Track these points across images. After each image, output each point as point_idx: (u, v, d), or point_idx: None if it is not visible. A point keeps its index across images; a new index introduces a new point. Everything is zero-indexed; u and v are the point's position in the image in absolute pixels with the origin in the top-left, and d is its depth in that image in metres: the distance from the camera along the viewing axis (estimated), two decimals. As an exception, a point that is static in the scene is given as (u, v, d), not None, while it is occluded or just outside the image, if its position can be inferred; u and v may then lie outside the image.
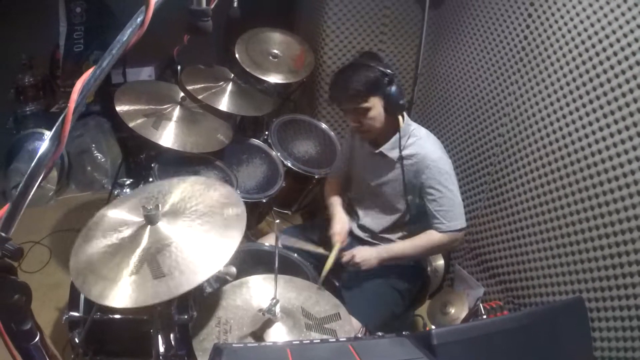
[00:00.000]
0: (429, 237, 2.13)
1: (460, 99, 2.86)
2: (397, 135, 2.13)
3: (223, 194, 1.65)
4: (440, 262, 2.95)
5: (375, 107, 2.05)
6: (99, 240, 1.53)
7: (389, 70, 2.01)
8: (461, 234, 2.14)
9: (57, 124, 0.84)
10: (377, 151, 2.19)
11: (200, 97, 2.77)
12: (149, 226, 1.52)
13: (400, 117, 2.14)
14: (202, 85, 2.86)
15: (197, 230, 1.50)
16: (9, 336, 0.86)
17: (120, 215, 1.64)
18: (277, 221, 1.58)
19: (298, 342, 1.20)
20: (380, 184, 2.23)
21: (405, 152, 2.13)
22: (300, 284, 1.79)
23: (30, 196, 0.84)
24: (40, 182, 0.85)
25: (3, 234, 0.82)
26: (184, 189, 1.69)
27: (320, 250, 2.22)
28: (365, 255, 2.11)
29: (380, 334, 1.35)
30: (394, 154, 2.15)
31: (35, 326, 0.92)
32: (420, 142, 2.14)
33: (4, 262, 0.84)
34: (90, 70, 0.87)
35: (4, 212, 0.83)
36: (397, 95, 2.02)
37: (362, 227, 2.36)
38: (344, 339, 1.22)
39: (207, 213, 1.56)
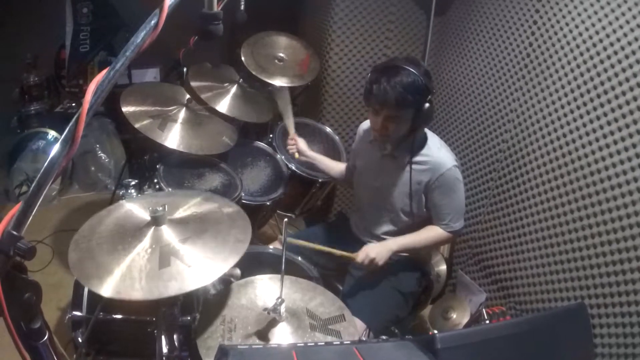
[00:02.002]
0: (436, 233, 2.20)
1: (465, 105, 2.87)
2: (409, 140, 2.12)
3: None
4: (442, 267, 2.95)
5: (407, 117, 2.02)
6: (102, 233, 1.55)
7: (431, 86, 1.98)
8: (457, 234, 2.25)
9: (70, 123, 0.84)
10: (387, 153, 2.19)
11: (203, 96, 2.77)
12: (153, 227, 1.54)
13: None
14: (207, 83, 2.86)
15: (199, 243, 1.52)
16: (19, 335, 0.86)
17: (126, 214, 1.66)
18: (286, 220, 1.58)
19: (303, 344, 1.20)
20: (386, 186, 2.23)
21: (418, 158, 2.13)
22: (306, 286, 1.80)
23: (42, 195, 0.84)
24: (53, 182, 0.85)
25: (15, 233, 0.82)
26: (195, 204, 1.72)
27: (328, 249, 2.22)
28: (377, 249, 2.11)
29: (384, 337, 1.35)
30: (405, 158, 2.15)
31: (44, 325, 0.92)
32: (433, 150, 2.14)
33: (16, 260, 0.84)
34: (104, 72, 0.88)
35: (15, 210, 0.83)
36: (429, 112, 2.01)
37: (366, 230, 2.37)
38: (349, 342, 1.22)
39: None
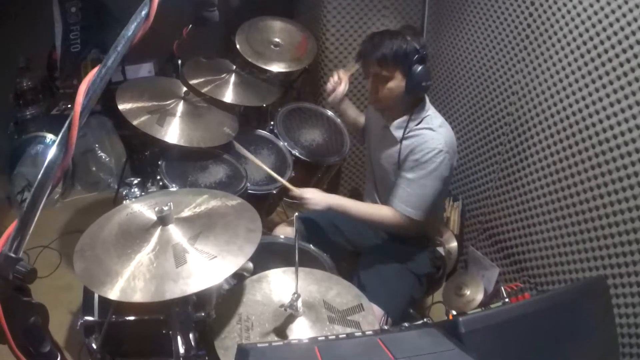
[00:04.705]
0: (383, 212, 2.10)
1: (467, 79, 2.82)
2: (407, 116, 2.09)
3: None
4: (453, 244, 2.92)
5: (396, 79, 2.00)
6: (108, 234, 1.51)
7: (422, 49, 1.96)
8: (409, 223, 2.06)
9: (63, 129, 0.79)
10: (385, 125, 2.17)
11: (203, 90, 2.72)
12: (159, 227, 1.49)
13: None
14: (205, 78, 2.81)
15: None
16: (29, 360, 0.81)
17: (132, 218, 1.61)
18: (297, 214, 1.54)
19: (324, 337, 1.17)
20: (382, 158, 2.21)
21: (411, 133, 2.07)
22: (321, 276, 1.77)
23: (39, 210, 0.78)
24: (49, 193, 0.79)
25: (13, 255, 0.77)
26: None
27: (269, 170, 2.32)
28: (313, 196, 2.11)
29: (406, 324, 1.32)
30: (398, 133, 2.10)
31: (54, 346, 0.87)
32: (427, 130, 2.05)
33: (17, 283, 0.79)
34: (95, 70, 0.82)
35: (11, 230, 0.77)
36: (421, 75, 1.96)
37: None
38: (371, 333, 1.19)
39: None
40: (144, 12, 0.84)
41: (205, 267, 1.36)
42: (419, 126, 2.08)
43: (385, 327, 1.84)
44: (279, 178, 2.32)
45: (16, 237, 0.77)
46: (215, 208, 1.63)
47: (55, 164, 0.78)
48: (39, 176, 0.77)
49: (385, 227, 2.26)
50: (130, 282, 1.30)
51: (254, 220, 1.56)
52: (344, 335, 1.17)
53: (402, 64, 1.96)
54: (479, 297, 2.64)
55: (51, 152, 0.78)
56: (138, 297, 1.26)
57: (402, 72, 1.98)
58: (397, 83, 2.00)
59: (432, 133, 2.04)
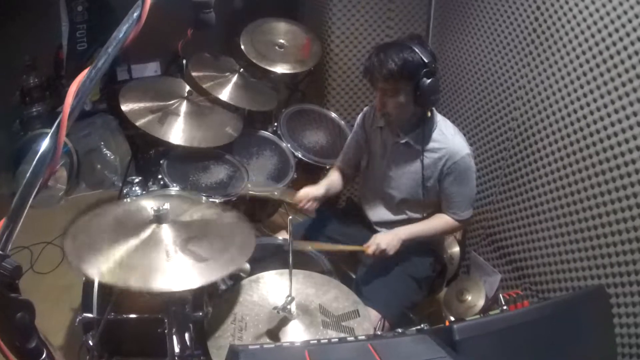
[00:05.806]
0: (445, 222, 2.20)
1: (472, 84, 2.80)
2: (423, 126, 2.08)
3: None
4: (455, 249, 2.91)
5: (405, 93, 1.97)
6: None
7: (430, 61, 1.94)
8: (465, 222, 2.26)
9: (51, 130, 0.79)
10: (402, 141, 2.14)
11: (205, 85, 2.73)
12: (154, 224, 1.51)
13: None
14: (209, 73, 2.82)
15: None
16: (15, 356, 0.82)
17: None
18: (291, 217, 1.54)
19: (315, 341, 1.17)
20: (399, 174, 2.19)
21: (431, 145, 2.09)
22: (320, 280, 1.76)
23: (27, 208, 0.78)
24: (36, 193, 0.79)
25: (0, 252, 0.77)
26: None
27: (337, 247, 2.21)
28: (388, 239, 2.09)
29: (399, 330, 1.31)
30: (419, 145, 2.10)
31: (40, 342, 0.87)
32: (447, 137, 2.10)
33: (4, 280, 0.79)
34: (85, 71, 0.82)
35: (-2, 227, 0.78)
36: (430, 88, 1.94)
37: (377, 216, 2.33)
38: (364, 338, 1.18)
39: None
40: (135, 14, 0.83)
41: (193, 269, 1.37)
42: (437, 135, 2.10)
43: (379, 333, 1.83)
44: (352, 248, 2.19)
45: (3, 234, 0.78)
46: (212, 219, 1.64)
47: (43, 164, 0.78)
48: (27, 174, 0.78)
49: (450, 234, 2.59)
50: (117, 267, 1.33)
51: (249, 236, 1.58)
52: (336, 340, 1.17)
53: (409, 79, 1.94)
54: (481, 302, 2.62)
55: (40, 151, 0.79)
56: (121, 282, 1.29)
57: (411, 86, 1.95)
58: (405, 97, 1.98)
59: (453, 140, 2.09)
